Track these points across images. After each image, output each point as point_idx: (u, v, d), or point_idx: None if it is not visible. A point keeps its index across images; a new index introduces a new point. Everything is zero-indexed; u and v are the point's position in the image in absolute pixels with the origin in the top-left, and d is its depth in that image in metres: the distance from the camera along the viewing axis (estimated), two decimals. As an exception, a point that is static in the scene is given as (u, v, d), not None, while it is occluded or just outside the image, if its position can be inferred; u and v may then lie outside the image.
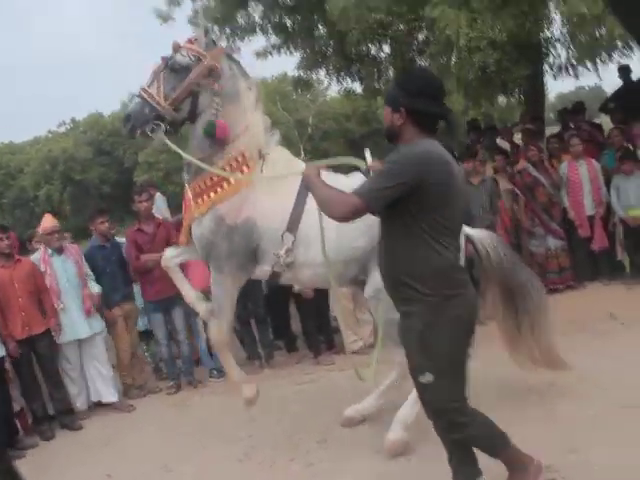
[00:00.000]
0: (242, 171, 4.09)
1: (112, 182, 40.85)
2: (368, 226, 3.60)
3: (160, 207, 11.30)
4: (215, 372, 6.62)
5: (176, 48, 4.11)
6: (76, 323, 6.04)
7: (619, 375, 4.69)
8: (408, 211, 2.76)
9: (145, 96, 4.06)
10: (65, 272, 6.08)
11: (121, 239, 7.13)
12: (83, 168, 39.99)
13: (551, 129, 13.14)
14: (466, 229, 4.02)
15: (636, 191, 7.30)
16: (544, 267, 7.54)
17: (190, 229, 4.32)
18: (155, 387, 6.67)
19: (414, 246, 2.79)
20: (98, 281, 6.33)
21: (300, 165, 4.11)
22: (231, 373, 4.56)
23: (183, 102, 4.11)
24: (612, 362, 4.97)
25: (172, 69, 4.08)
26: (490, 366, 4.54)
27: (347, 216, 2.80)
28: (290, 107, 32.81)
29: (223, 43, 10.20)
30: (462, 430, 2.89)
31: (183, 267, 5.18)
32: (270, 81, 40.02)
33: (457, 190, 2.78)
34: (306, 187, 3.18)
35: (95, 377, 6.20)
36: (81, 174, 39.96)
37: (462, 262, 3.05)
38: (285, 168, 4.11)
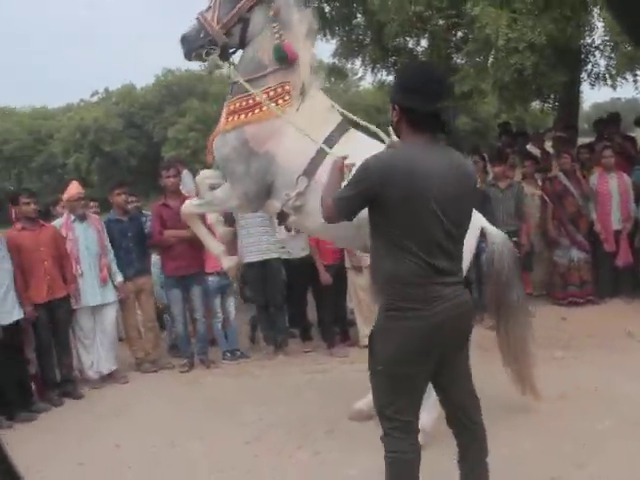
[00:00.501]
0: (277, 103, 4.01)
1: (140, 155, 41.14)
2: None
3: (187, 184, 11.39)
4: (228, 354, 6.67)
5: None
6: (90, 290, 6.15)
7: (632, 392, 4.65)
8: (372, 219, 2.73)
9: (201, 20, 4.10)
10: (86, 239, 6.18)
11: (147, 213, 7.18)
12: (113, 139, 40.27)
13: (583, 139, 12.99)
14: (485, 223, 4.09)
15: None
16: (566, 279, 7.47)
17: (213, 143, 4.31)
18: (167, 363, 6.73)
19: (376, 254, 2.77)
20: (113, 254, 6.40)
21: (336, 118, 4.09)
22: (209, 245, 4.64)
23: (234, 27, 4.11)
24: (626, 379, 4.92)
25: None
26: (500, 374, 4.52)
27: (327, 221, 2.87)
28: (322, 95, 32.70)
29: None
30: (385, 442, 2.78)
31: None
32: (304, 67, 39.92)
33: (425, 203, 2.57)
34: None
35: (99, 346, 6.29)
36: (110, 145, 40.25)
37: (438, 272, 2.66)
38: (321, 115, 4.06)
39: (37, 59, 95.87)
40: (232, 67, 4.14)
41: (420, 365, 2.69)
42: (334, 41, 10.79)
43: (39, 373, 5.92)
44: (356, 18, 10.34)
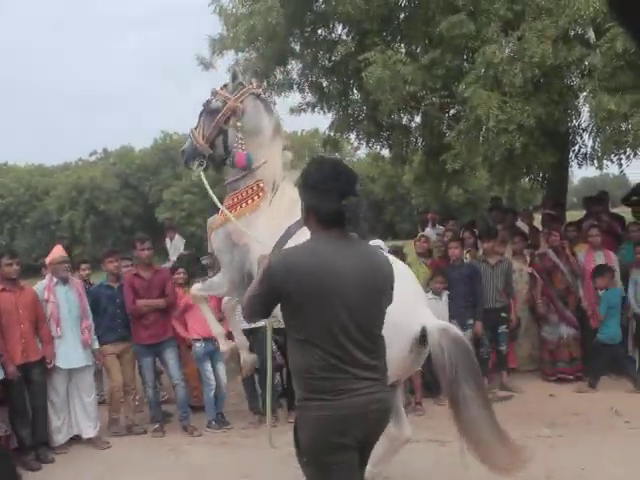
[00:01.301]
0: (254, 199, 4.48)
1: (134, 216, 41.33)
2: None
3: (179, 248, 11.52)
4: (214, 423, 6.61)
5: (213, 93, 4.69)
6: (71, 352, 6.22)
7: (619, 475, 4.63)
8: (282, 315, 2.82)
9: (191, 135, 4.72)
10: (67, 302, 6.30)
11: None
12: (108, 198, 40.54)
13: (572, 212, 13.24)
14: (424, 318, 3.83)
15: (654, 287, 7.28)
16: (555, 355, 7.52)
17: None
18: (140, 428, 6.70)
19: (289, 348, 2.86)
20: (97, 318, 6.57)
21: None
22: (211, 325, 4.99)
23: (216, 140, 4.64)
24: (612, 461, 4.92)
25: (208, 112, 4.66)
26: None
27: (246, 319, 3.19)
28: (317, 163, 33.26)
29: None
30: None
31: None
32: (301, 135, 40.77)
33: (329, 297, 2.63)
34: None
35: (78, 410, 6.29)
36: (105, 204, 40.48)
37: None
38: (286, 209, 4.34)
39: (39, 119, 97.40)
40: (202, 174, 4.71)
41: (338, 454, 2.69)
42: (330, 114, 11.11)
43: (12, 436, 5.86)
44: (352, 94, 10.66)
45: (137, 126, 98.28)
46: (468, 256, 7.78)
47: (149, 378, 6.72)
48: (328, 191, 2.71)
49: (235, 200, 4.56)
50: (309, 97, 11.14)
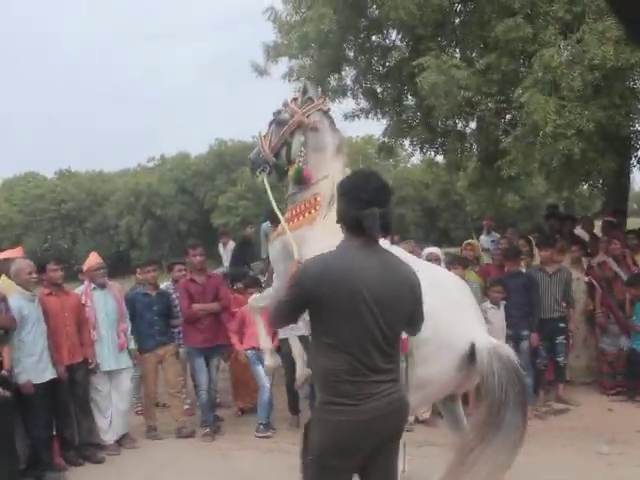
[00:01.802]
0: (311, 212, 4.54)
1: (190, 221, 42.15)
2: None
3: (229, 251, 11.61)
4: (262, 427, 6.62)
5: (284, 105, 4.86)
6: (107, 356, 6.38)
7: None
8: (310, 319, 2.88)
9: (259, 143, 4.94)
10: (105, 306, 6.48)
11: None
12: (164, 204, 41.49)
13: (635, 220, 12.80)
14: (474, 334, 3.65)
15: None
16: (614, 367, 7.25)
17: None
18: (189, 430, 6.76)
19: (314, 350, 2.94)
20: (135, 325, 6.72)
21: None
22: (261, 339, 5.18)
23: (281, 150, 4.82)
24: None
25: (277, 122, 4.84)
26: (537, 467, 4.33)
27: (270, 325, 3.32)
28: (372, 169, 33.22)
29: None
30: None
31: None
32: (355, 142, 40.79)
33: (358, 303, 2.71)
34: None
35: (114, 411, 6.44)
36: (162, 209, 41.43)
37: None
38: None
39: (99, 124, 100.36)
40: (265, 181, 4.90)
41: (348, 459, 2.78)
42: (384, 120, 11.05)
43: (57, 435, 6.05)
44: (406, 100, 10.58)
45: (194, 132, 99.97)
46: (523, 264, 7.59)
47: (203, 381, 6.74)
48: (354, 199, 2.82)
49: (293, 212, 4.65)
50: (363, 103, 11.09)
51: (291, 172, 4.66)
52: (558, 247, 7.58)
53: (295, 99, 4.84)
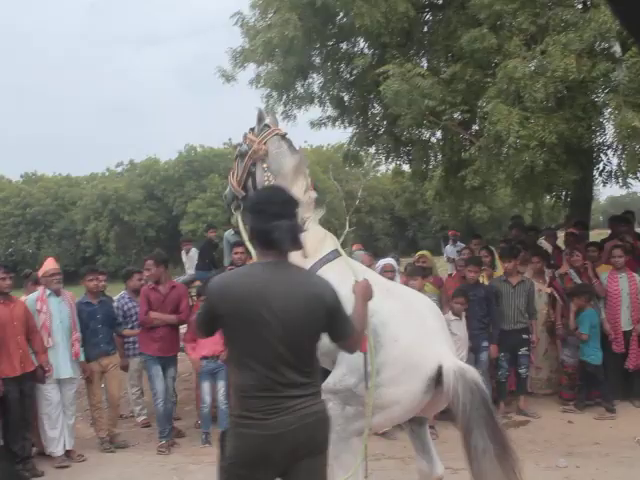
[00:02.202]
0: None
1: (158, 227, 41.72)
2: None
3: (194, 260, 11.54)
4: (205, 437, 6.63)
5: (243, 137, 4.84)
6: (62, 364, 6.27)
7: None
8: (223, 335, 2.94)
9: (229, 180, 4.93)
10: (59, 313, 6.37)
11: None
12: (132, 209, 41.00)
13: (600, 232, 12.92)
14: (441, 356, 3.62)
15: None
16: (574, 379, 7.23)
17: None
18: (123, 442, 6.78)
19: (228, 366, 3.12)
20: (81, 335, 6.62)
21: (326, 247, 4.30)
22: None
23: (247, 182, 4.74)
24: (631, 495, 4.66)
25: (239, 155, 4.83)
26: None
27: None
28: (342, 177, 33.29)
29: (279, 113, 10.44)
30: None
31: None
32: (325, 150, 40.85)
33: (260, 319, 2.72)
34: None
35: (63, 421, 6.30)
36: (130, 215, 40.91)
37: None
38: (313, 245, 4.23)
39: (67, 129, 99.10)
40: (239, 218, 4.72)
41: (258, 470, 2.79)
42: (351, 128, 11.01)
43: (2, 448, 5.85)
44: (372, 108, 10.55)
45: (163, 138, 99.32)
46: (485, 275, 7.57)
47: (159, 389, 6.56)
48: (262, 212, 2.87)
49: None
50: (330, 111, 11.06)
51: None
52: (521, 258, 7.58)
53: (252, 129, 4.84)
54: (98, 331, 6.75)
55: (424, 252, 8.46)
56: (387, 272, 6.82)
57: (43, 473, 5.95)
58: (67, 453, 6.28)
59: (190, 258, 11.73)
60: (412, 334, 3.65)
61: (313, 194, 4.61)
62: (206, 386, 6.62)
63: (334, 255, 4.24)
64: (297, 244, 2.89)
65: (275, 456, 2.76)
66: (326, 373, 3.87)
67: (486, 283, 7.44)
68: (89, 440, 6.88)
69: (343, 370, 3.70)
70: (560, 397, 7.36)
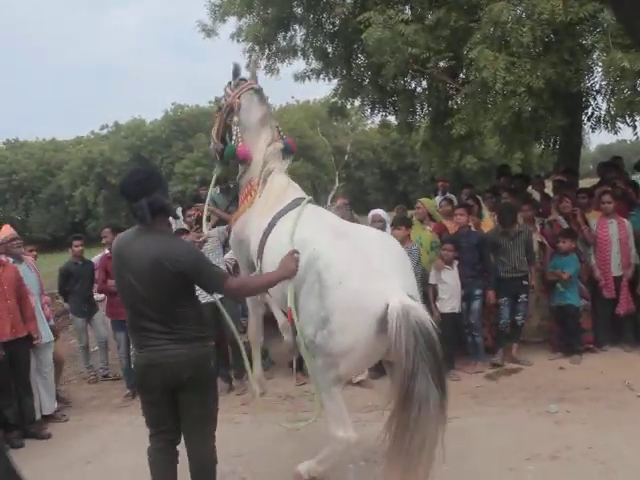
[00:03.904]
0: (251, 194, 4.60)
1: (146, 189, 41.22)
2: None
3: (182, 222, 11.33)
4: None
5: (223, 90, 4.87)
6: (41, 328, 6.26)
7: (628, 455, 4.41)
8: None
9: (212, 134, 4.94)
10: (27, 279, 6.29)
11: None
12: (119, 172, 40.41)
13: (589, 180, 12.81)
14: (391, 293, 3.39)
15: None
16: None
17: None
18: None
19: None
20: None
21: (289, 196, 4.38)
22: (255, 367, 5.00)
23: (224, 135, 4.79)
24: (623, 439, 4.69)
25: (219, 109, 4.89)
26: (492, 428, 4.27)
27: None
28: (330, 133, 32.87)
29: (262, 68, 10.22)
30: None
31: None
32: (312, 104, 40.26)
33: (125, 275, 3.45)
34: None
35: (40, 386, 6.30)
36: (117, 178, 40.34)
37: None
38: (276, 195, 4.42)
39: (50, 91, 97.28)
40: (213, 176, 5.12)
41: (147, 394, 3.60)
42: (336, 80, 10.75)
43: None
44: (357, 58, 10.30)
45: (148, 98, 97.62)
46: (472, 224, 7.46)
47: (123, 349, 7.22)
48: (124, 195, 3.49)
49: (241, 197, 4.76)
50: (314, 63, 10.81)
51: (225, 151, 4.70)
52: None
53: (229, 83, 4.85)
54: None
55: (423, 199, 8.31)
56: (376, 222, 6.81)
57: (50, 436, 6.04)
58: (51, 415, 6.33)
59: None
60: (357, 274, 3.47)
61: (279, 145, 4.66)
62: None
63: (295, 204, 4.25)
64: (161, 215, 3.47)
65: (152, 382, 3.48)
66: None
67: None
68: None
69: (302, 321, 3.65)
70: (551, 344, 7.38)
